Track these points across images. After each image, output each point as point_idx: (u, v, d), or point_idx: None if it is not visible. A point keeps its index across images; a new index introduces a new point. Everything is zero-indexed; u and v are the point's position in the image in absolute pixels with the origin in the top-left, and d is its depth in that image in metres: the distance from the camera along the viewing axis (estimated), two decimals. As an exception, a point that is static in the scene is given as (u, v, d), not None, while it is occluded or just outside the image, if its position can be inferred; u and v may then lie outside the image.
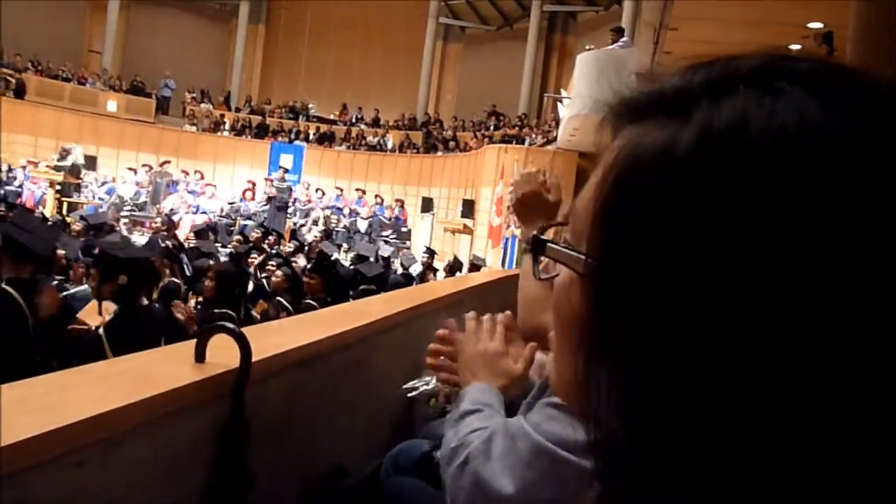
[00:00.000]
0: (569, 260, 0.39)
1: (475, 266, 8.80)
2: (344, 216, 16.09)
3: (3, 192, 12.85)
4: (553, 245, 0.41)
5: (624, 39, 10.79)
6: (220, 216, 14.71)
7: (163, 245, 6.98)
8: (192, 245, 7.92)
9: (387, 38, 21.86)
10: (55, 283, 3.78)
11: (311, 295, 5.85)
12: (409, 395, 2.34)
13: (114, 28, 20.67)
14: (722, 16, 7.77)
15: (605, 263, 0.35)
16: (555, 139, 14.14)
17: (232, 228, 13.57)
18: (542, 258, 0.42)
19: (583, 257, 0.37)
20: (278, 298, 5.71)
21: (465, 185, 16.30)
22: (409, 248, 14.98)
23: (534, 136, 15.68)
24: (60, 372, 1.17)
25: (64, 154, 14.34)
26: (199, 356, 1.30)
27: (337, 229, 15.61)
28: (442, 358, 1.38)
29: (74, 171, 14.07)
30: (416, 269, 9.60)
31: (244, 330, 1.34)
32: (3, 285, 3.41)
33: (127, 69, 20.73)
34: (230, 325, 1.31)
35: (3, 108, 16.87)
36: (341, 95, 21.51)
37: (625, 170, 0.35)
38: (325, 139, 20.12)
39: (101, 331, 3.15)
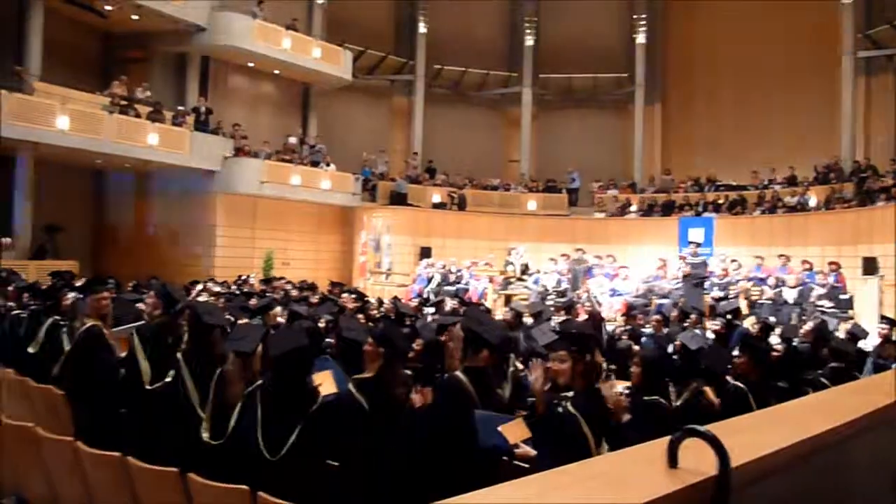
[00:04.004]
0: None
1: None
2: (768, 287, 14.77)
3: (455, 289, 15.36)
4: None
5: None
6: (636, 296, 14.90)
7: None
8: (618, 326, 8.13)
9: (791, 90, 20.10)
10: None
11: (740, 376, 5.40)
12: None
13: (527, 138, 23.41)
14: None
15: None
16: None
17: (648, 308, 13.59)
18: None
19: None
20: (694, 383, 5.39)
21: (921, 236, 13.55)
22: (852, 318, 12.92)
23: None
24: (553, 471, 1.26)
25: (508, 252, 16.93)
26: (672, 461, 1.27)
27: (760, 302, 14.38)
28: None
29: (510, 267, 16.29)
30: (866, 344, 8.19)
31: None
32: (457, 373, 3.91)
33: (540, 171, 23.10)
34: (702, 430, 1.26)
35: (450, 219, 20.45)
36: (747, 159, 20.30)
37: None
38: (735, 206, 19.07)
39: (571, 409, 3.38)
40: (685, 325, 9.30)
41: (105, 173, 17.73)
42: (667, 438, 1.31)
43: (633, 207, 20.65)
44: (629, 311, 10.32)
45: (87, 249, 17.11)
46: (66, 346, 5.47)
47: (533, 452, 3.49)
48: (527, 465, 3.48)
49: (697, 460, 1.25)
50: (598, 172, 22.13)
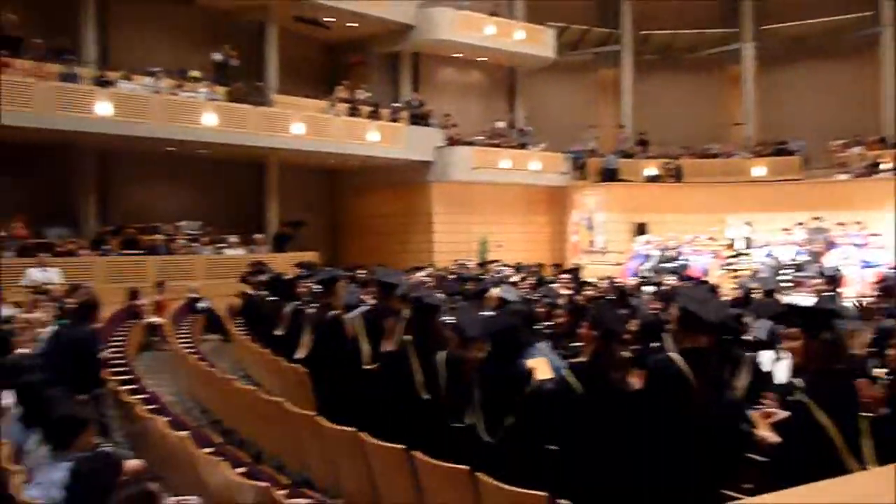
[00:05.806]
0: None
1: None
2: None
3: (674, 266, 14.59)
4: None
5: None
6: (892, 268, 12.96)
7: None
8: (873, 303, 7.16)
9: None
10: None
11: None
12: None
13: (751, 98, 21.37)
14: None
15: None
16: None
17: (909, 280, 11.75)
18: None
19: None
20: None
21: None
22: None
23: None
24: (790, 492, 1.11)
25: (730, 226, 15.88)
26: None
27: None
28: None
29: (735, 241, 15.21)
30: None
31: None
32: (671, 354, 3.59)
33: (766, 133, 20.98)
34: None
35: (666, 192, 19.42)
36: None
37: None
38: None
39: (802, 396, 3.04)
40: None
41: (337, 171, 19.46)
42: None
43: (886, 165, 17.95)
44: (885, 284, 8.98)
45: (326, 241, 18.96)
46: (307, 330, 6.09)
47: (773, 438, 3.15)
48: (764, 460, 3.16)
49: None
50: (838, 129, 19.51)
